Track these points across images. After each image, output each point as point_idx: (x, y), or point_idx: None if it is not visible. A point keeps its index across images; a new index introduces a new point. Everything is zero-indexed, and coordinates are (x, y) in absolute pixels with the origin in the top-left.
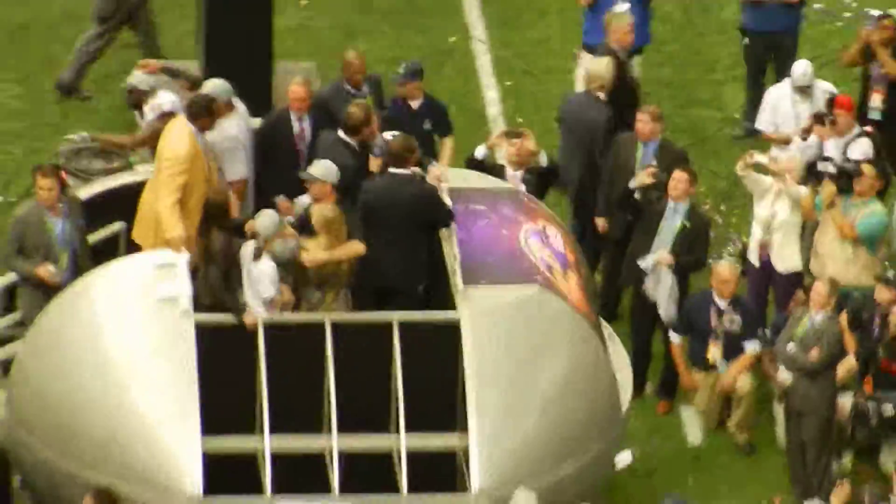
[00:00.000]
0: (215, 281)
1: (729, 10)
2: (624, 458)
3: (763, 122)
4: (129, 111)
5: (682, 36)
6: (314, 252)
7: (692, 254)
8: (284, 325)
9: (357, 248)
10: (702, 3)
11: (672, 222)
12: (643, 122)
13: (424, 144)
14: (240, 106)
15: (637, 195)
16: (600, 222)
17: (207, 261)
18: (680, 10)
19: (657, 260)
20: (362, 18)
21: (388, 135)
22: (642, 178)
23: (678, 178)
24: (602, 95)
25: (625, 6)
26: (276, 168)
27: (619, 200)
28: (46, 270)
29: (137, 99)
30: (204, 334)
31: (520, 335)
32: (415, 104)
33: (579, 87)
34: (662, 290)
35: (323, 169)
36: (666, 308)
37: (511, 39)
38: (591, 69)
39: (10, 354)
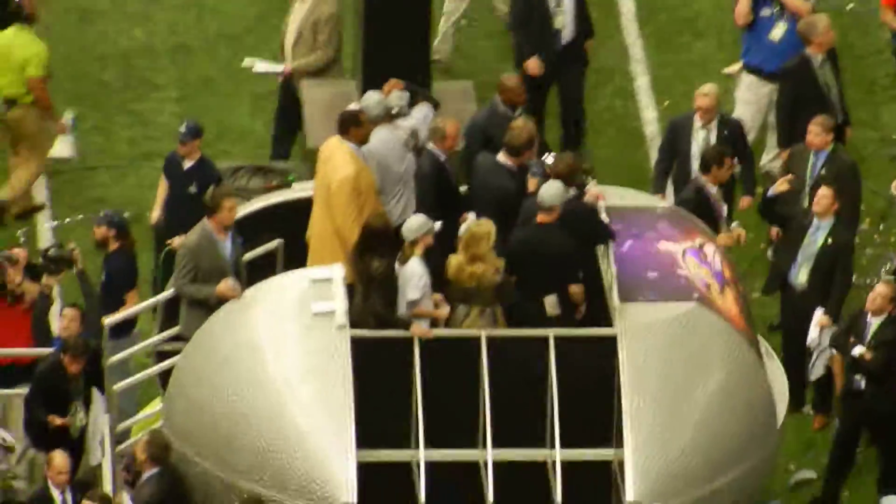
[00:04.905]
0: (380, 308)
1: (887, 31)
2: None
3: None
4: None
5: (841, 57)
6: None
7: (836, 276)
8: (439, 339)
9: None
10: (860, 24)
11: (815, 238)
12: (814, 133)
13: (189, 207)
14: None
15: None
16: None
17: (367, 285)
18: (838, 31)
19: (820, 324)
20: None
21: (549, 156)
22: (779, 186)
23: (822, 194)
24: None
25: (784, 26)
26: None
27: (763, 209)
28: (228, 287)
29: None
30: (359, 348)
31: (676, 351)
32: (186, 164)
33: (739, 108)
34: (822, 348)
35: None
36: (816, 362)
37: (669, 60)
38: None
39: (169, 367)
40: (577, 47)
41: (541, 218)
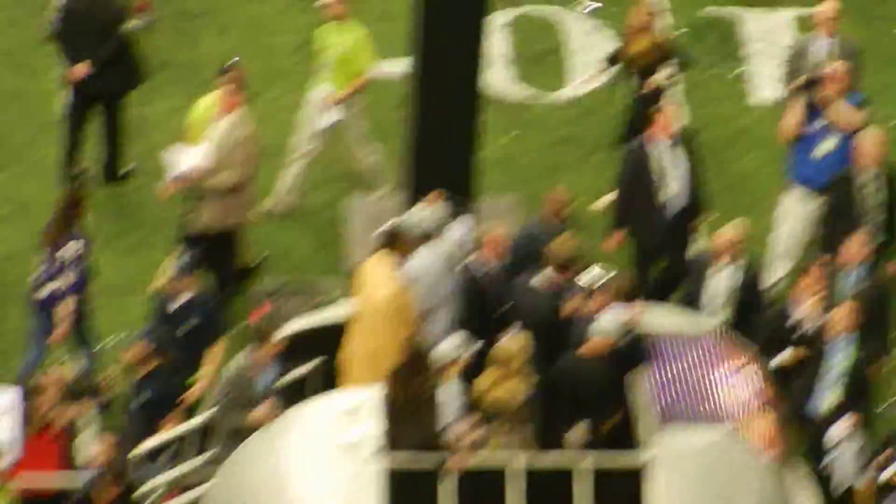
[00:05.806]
0: (428, 428)
1: None
2: None
3: None
4: None
5: None
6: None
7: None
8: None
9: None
10: None
11: (837, 359)
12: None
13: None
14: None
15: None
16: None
17: (416, 405)
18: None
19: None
20: (567, 151)
21: (594, 270)
22: (789, 357)
23: (843, 312)
24: None
25: (832, 140)
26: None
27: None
28: (264, 411)
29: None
30: (391, 474)
31: (707, 479)
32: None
33: (786, 222)
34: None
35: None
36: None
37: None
38: None
39: (202, 494)
40: (685, 222)
41: (592, 346)
